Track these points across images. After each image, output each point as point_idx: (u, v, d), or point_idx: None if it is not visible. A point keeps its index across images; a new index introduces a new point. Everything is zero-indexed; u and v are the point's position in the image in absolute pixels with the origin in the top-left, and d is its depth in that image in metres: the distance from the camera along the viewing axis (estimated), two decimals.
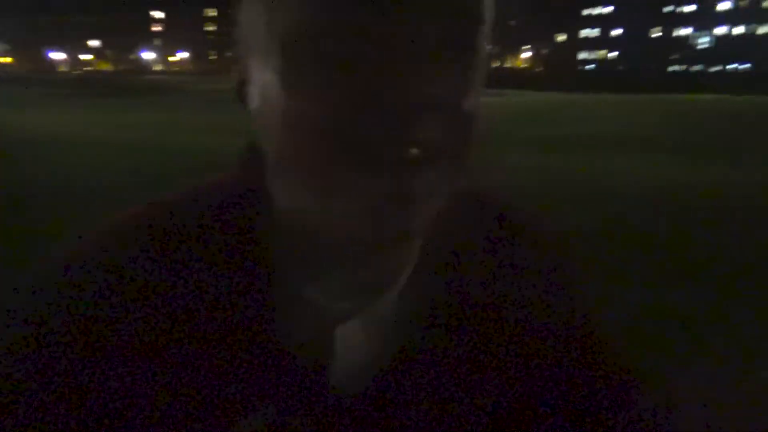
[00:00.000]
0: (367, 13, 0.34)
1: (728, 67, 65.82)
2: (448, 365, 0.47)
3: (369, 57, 0.35)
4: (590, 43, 79.33)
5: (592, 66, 78.05)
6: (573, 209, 5.78)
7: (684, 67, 71.17)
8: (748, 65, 64.40)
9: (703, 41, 71.75)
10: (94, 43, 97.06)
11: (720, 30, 69.75)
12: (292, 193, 0.40)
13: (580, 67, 78.27)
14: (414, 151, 0.35)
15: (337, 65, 0.35)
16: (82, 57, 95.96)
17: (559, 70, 70.90)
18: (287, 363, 0.43)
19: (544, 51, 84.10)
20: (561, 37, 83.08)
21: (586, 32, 79.48)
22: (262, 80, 0.39)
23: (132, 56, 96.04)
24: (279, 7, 0.37)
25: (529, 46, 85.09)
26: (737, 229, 5.16)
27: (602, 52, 78.58)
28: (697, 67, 69.27)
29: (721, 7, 68.75)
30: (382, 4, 0.34)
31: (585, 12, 78.31)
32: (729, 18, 68.32)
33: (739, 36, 67.97)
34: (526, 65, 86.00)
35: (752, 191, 6.81)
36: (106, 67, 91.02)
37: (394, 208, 0.36)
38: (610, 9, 76.23)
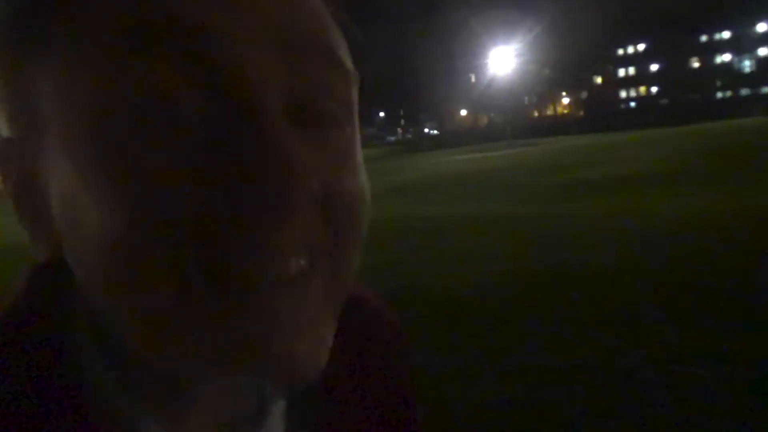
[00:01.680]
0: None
1: None
2: None
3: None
4: (629, 82, 78.87)
5: (633, 104, 77.26)
6: (600, 252, 5.81)
7: (730, 93, 69.58)
8: None
9: (746, 65, 70.25)
10: None
11: (763, 51, 68.27)
12: (126, 329, 0.29)
13: (622, 106, 77.61)
14: (291, 264, 0.27)
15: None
16: None
17: (599, 112, 70.53)
18: None
19: (584, 95, 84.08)
20: (598, 80, 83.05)
21: (622, 71, 79.24)
22: (68, 178, 0.27)
23: None
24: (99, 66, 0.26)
25: (564, 93, 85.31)
26: None
27: (642, 89, 77.85)
28: (744, 91, 67.54)
29: (760, 28, 67.57)
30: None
31: (619, 52, 78.43)
32: None
33: None
34: (565, 111, 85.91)
35: None
36: None
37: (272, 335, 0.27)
38: (643, 46, 76.07)
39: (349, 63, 0.30)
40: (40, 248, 0.31)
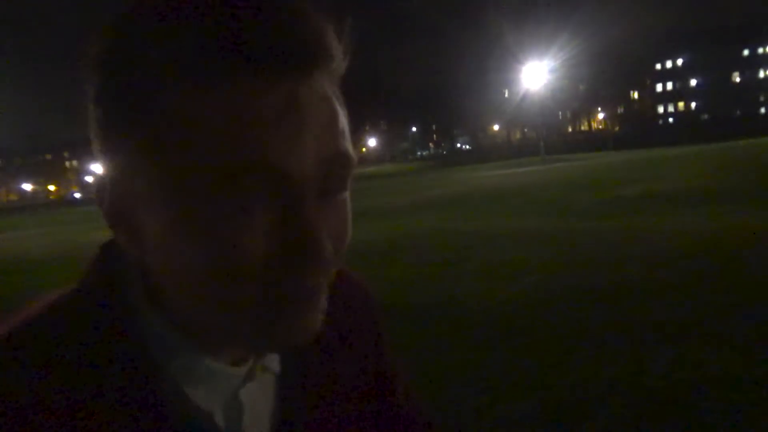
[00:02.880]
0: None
1: None
2: (330, 404, 0.56)
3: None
4: (668, 96, 77.28)
5: (672, 120, 75.56)
6: (626, 268, 5.74)
7: None
8: None
9: None
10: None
11: None
12: (190, 313, 0.44)
13: (660, 122, 76.06)
14: (318, 283, 0.42)
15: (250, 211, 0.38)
16: None
17: (636, 128, 69.26)
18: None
19: (620, 110, 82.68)
20: (635, 95, 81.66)
21: (660, 86, 77.72)
22: (168, 228, 0.40)
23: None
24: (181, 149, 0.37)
25: (599, 108, 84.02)
26: None
27: (681, 104, 76.14)
28: None
29: None
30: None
31: (658, 66, 77.06)
32: None
33: None
34: (601, 126, 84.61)
35: None
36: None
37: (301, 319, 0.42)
38: (682, 60, 74.52)
39: (353, 153, 0.43)
40: (130, 251, 0.43)
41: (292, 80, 0.37)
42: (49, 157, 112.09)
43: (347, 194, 0.44)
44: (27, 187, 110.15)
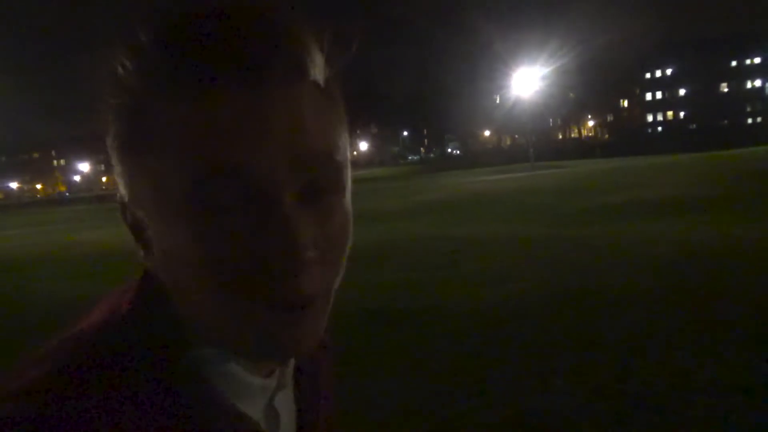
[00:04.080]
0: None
1: None
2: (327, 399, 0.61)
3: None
4: (656, 105, 77.96)
5: (660, 129, 76.26)
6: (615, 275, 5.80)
7: (760, 119, 68.39)
8: None
9: None
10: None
11: None
12: (204, 321, 0.46)
13: (649, 130, 76.71)
14: (304, 293, 0.43)
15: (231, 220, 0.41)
16: None
17: (626, 136, 69.81)
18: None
19: (609, 118, 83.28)
20: (625, 103, 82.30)
21: (650, 95, 78.43)
22: (163, 232, 0.44)
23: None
24: (173, 165, 0.41)
25: (589, 116, 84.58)
26: None
27: (670, 113, 76.87)
28: None
29: None
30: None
31: (647, 75, 77.76)
32: None
33: None
34: (590, 134, 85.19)
35: None
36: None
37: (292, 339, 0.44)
38: (671, 70, 75.27)
39: (340, 154, 0.45)
40: (148, 263, 0.48)
41: (251, 89, 0.41)
42: (36, 155, 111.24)
43: (343, 198, 0.46)
44: (13, 185, 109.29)
